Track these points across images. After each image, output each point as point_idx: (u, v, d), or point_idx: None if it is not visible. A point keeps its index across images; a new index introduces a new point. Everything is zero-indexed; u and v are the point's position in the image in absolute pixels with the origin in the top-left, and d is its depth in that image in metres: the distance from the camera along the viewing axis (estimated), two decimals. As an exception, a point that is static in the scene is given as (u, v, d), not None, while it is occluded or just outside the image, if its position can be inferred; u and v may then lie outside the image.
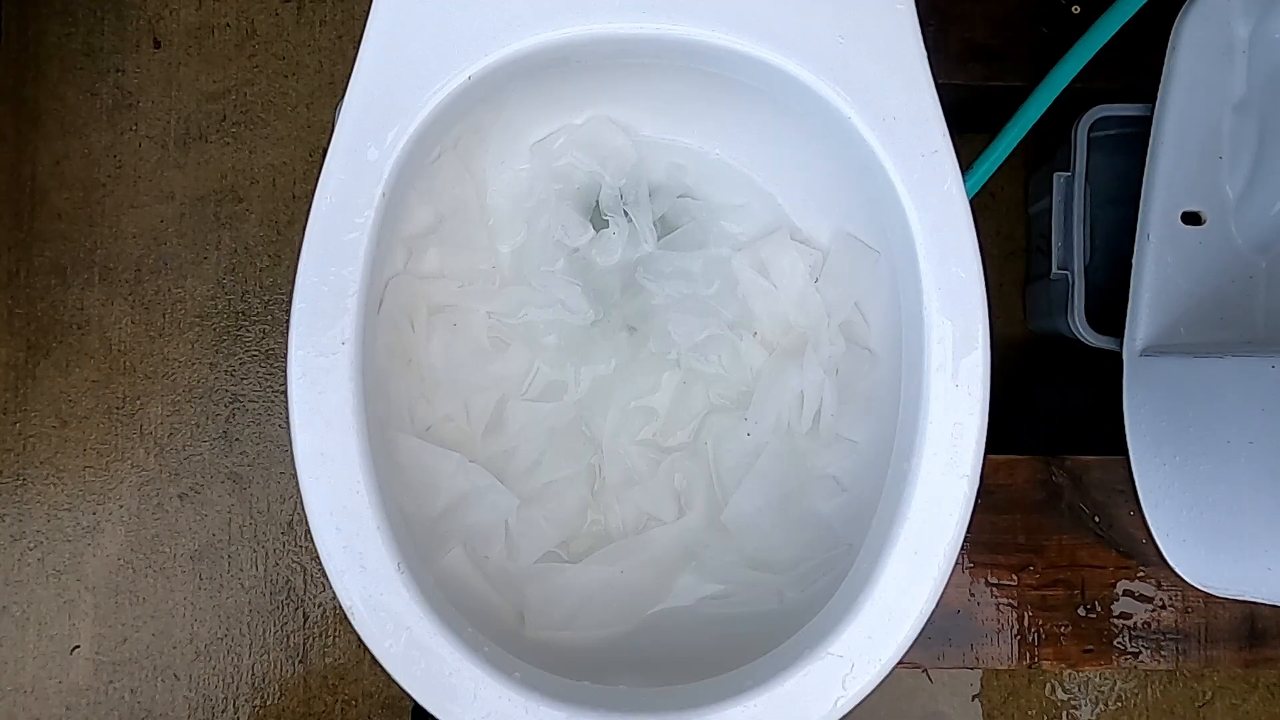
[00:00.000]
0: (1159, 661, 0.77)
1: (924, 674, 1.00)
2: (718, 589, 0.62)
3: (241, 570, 0.99)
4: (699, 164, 0.68)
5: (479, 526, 0.59)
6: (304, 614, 0.99)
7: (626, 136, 0.66)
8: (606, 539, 0.64)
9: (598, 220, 0.68)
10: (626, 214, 0.67)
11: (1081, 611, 0.77)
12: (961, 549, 0.51)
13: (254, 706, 0.99)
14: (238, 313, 1.00)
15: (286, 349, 0.51)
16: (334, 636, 0.99)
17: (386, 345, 0.58)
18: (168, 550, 0.99)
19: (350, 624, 0.49)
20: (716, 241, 0.67)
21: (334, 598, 0.97)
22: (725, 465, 0.63)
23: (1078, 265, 0.83)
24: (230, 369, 1.00)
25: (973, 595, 0.77)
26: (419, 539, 0.55)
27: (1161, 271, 0.75)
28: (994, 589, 0.78)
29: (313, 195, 0.52)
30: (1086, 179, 0.83)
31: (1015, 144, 0.80)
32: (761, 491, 0.61)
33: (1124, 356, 0.77)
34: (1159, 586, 0.77)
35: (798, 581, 0.59)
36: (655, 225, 0.67)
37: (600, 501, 0.65)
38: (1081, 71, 0.79)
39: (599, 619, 0.60)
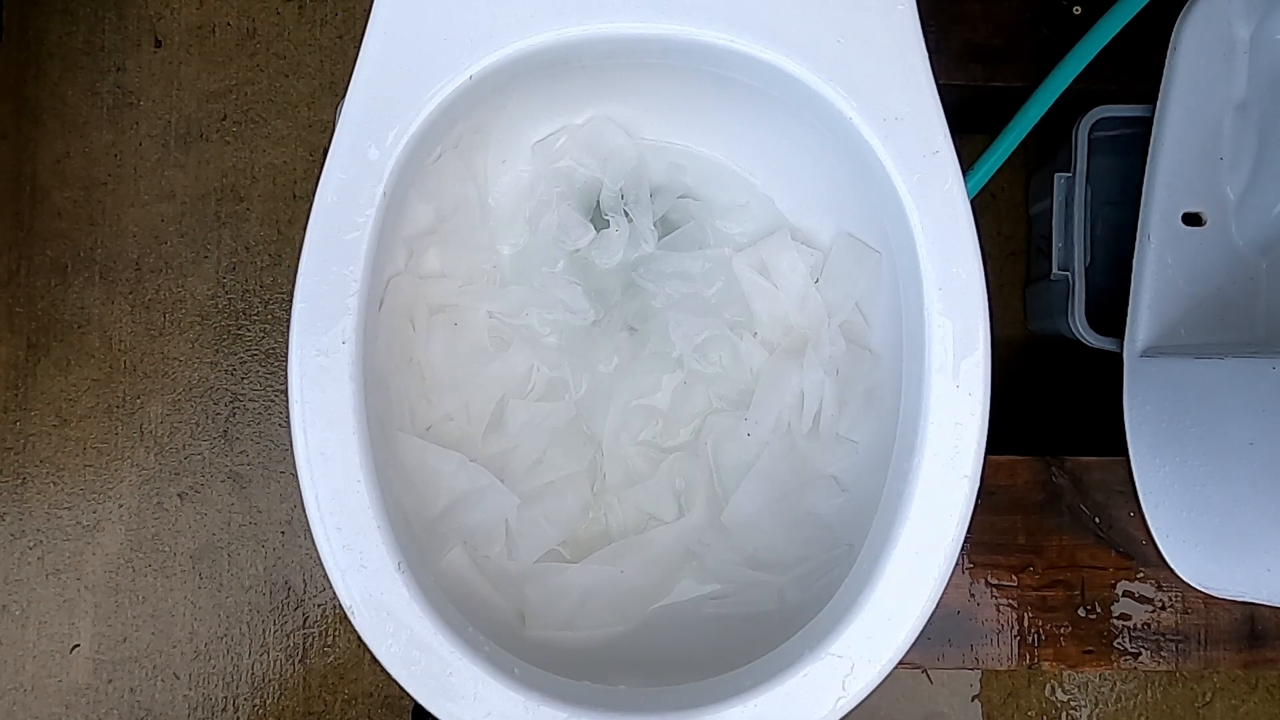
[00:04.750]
0: (1159, 663, 0.77)
1: (924, 674, 1.00)
2: (718, 589, 0.62)
3: (241, 570, 0.99)
4: (699, 164, 0.68)
5: (479, 526, 0.59)
6: (304, 614, 0.99)
7: (627, 137, 0.66)
8: (607, 539, 0.64)
9: (598, 220, 0.68)
10: (627, 214, 0.67)
11: (1081, 612, 0.77)
12: (961, 549, 0.51)
13: (254, 706, 0.99)
14: (238, 312, 1.00)
15: (287, 348, 0.51)
16: (334, 636, 0.99)
17: (387, 344, 0.58)
18: (168, 549, 0.99)
19: (350, 624, 0.49)
20: (717, 242, 0.67)
21: (334, 597, 0.97)
22: (726, 465, 0.63)
23: (1078, 266, 0.83)
24: (230, 368, 1.00)
25: (973, 596, 0.77)
26: (419, 538, 0.55)
27: (1162, 272, 0.75)
28: (994, 589, 0.78)
29: (313, 195, 0.52)
30: (1087, 180, 0.83)
31: (1016, 145, 0.80)
32: (761, 492, 0.61)
33: (1124, 357, 0.77)
34: (1159, 587, 0.77)
35: (798, 582, 0.59)
36: (656, 225, 0.67)
37: (601, 501, 0.65)
38: (1082, 72, 0.79)
39: (599, 619, 0.60)
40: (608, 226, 0.67)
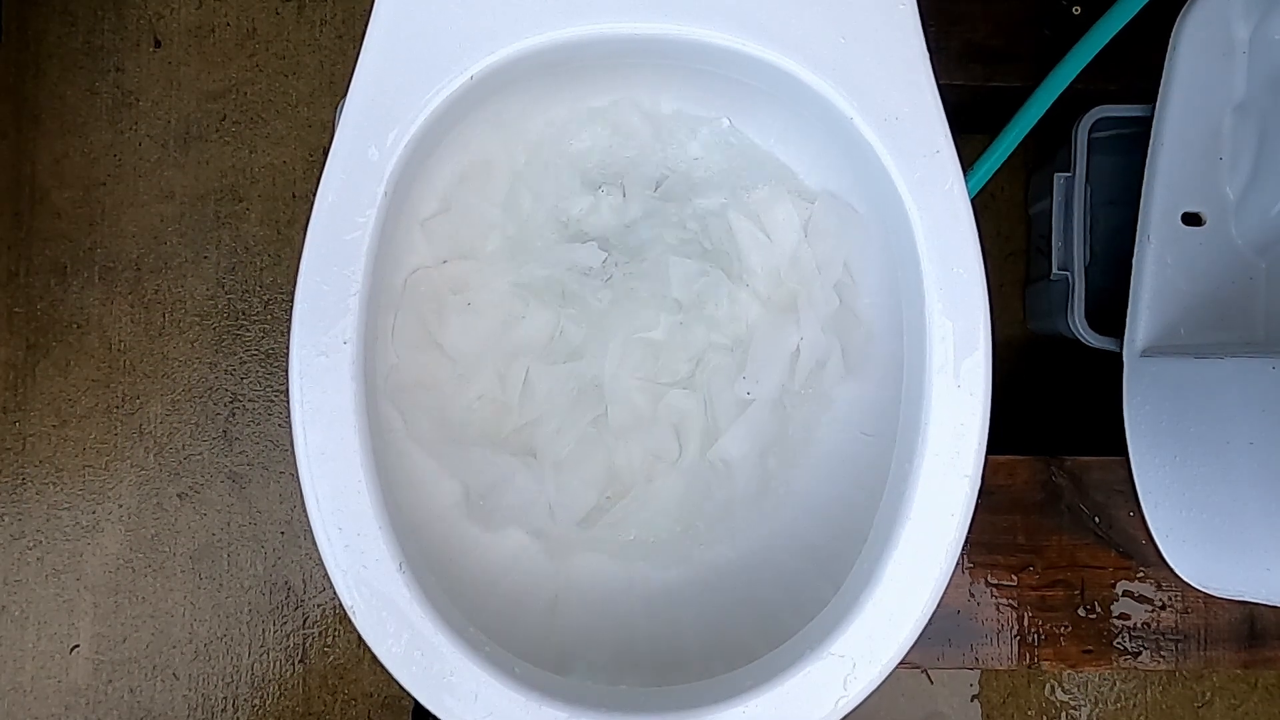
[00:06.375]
0: (1159, 662, 0.77)
1: (924, 674, 1.00)
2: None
3: (241, 570, 0.99)
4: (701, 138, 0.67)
5: (517, 506, 0.60)
6: (304, 614, 0.99)
7: (634, 116, 0.66)
8: (618, 481, 0.64)
9: (597, 186, 0.68)
10: (623, 189, 0.67)
11: (1081, 612, 0.77)
12: (962, 549, 0.51)
13: (254, 706, 0.99)
14: (238, 312, 1.00)
15: (287, 348, 0.51)
16: (334, 636, 0.99)
17: (409, 342, 0.59)
18: (167, 550, 0.99)
19: (350, 624, 0.49)
20: (714, 193, 0.67)
21: (334, 598, 0.97)
22: (721, 406, 0.63)
23: (1078, 266, 0.83)
24: (230, 368, 1.00)
25: (973, 595, 0.77)
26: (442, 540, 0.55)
27: (1161, 272, 0.76)
28: (994, 589, 0.78)
29: (314, 195, 0.52)
30: (1087, 180, 0.83)
31: (1016, 144, 0.80)
32: (749, 438, 0.61)
33: (1124, 357, 0.77)
34: (1159, 587, 0.77)
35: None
36: (656, 187, 0.67)
37: (606, 442, 0.65)
38: (1082, 72, 0.79)
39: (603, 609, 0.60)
40: (604, 191, 0.66)
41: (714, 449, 0.62)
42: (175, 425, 0.99)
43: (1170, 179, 0.76)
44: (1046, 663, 0.78)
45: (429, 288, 0.62)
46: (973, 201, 0.55)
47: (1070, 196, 0.84)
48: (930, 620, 0.50)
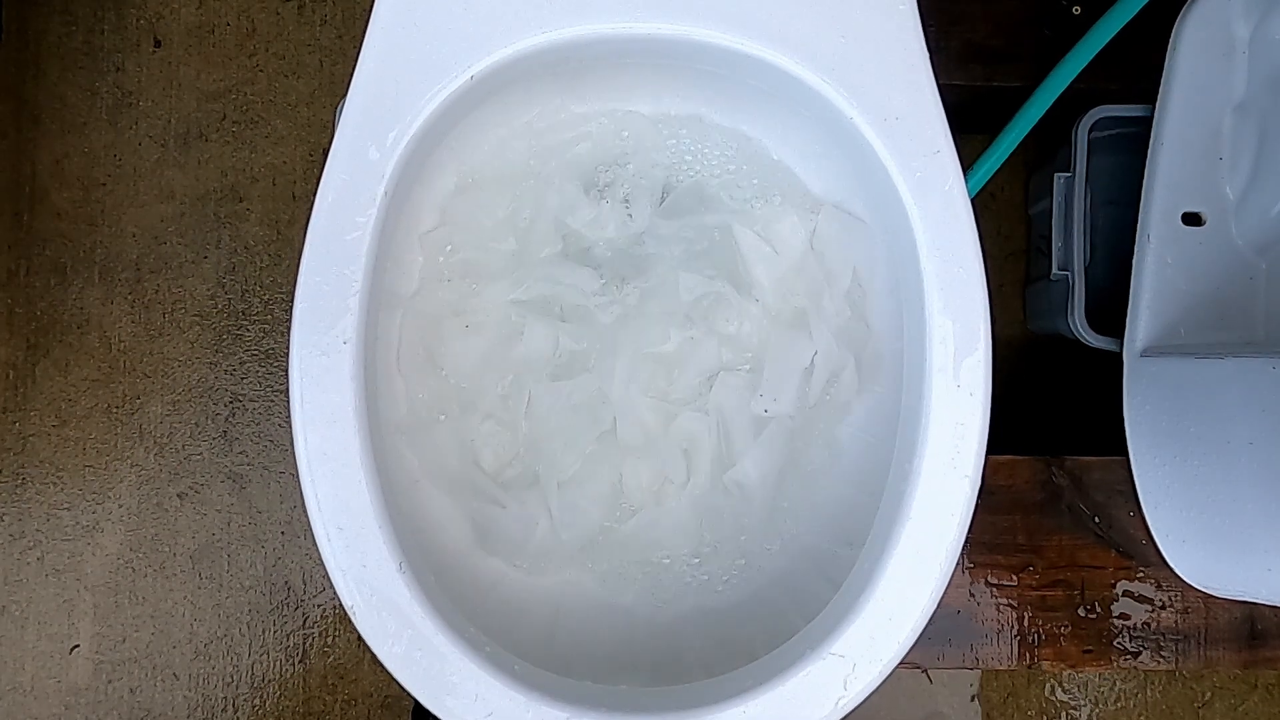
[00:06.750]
0: (1159, 662, 0.77)
1: (924, 674, 1.00)
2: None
3: (241, 570, 0.99)
4: (702, 145, 0.67)
5: (513, 542, 0.60)
6: (304, 614, 0.99)
7: (633, 121, 0.66)
8: (626, 501, 0.64)
9: (600, 196, 0.67)
10: (627, 200, 0.66)
11: (1081, 612, 0.77)
12: (962, 549, 0.51)
13: (254, 706, 0.99)
14: (238, 312, 1.00)
15: (287, 348, 0.51)
16: (334, 636, 0.99)
17: (412, 361, 0.59)
18: (167, 550, 0.99)
19: (350, 624, 0.49)
20: (718, 207, 0.67)
21: (334, 598, 0.97)
22: (735, 426, 0.63)
23: (1078, 266, 0.83)
24: (230, 368, 1.00)
25: (973, 595, 0.77)
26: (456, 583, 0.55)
27: (1161, 272, 0.76)
28: (994, 589, 0.78)
29: (314, 195, 0.52)
30: (1087, 180, 0.83)
31: (1016, 144, 0.80)
32: (770, 458, 0.61)
33: (1124, 357, 0.77)
34: (1159, 587, 0.77)
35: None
36: (661, 198, 0.67)
37: (612, 459, 0.65)
38: (1082, 72, 0.79)
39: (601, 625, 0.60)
40: (608, 204, 0.66)
41: (732, 472, 0.61)
42: (175, 425, 0.99)
43: (1170, 179, 0.76)
44: (1046, 663, 0.78)
45: (430, 311, 0.61)
46: (973, 201, 0.55)
47: (1070, 196, 0.84)
48: (930, 620, 0.50)
